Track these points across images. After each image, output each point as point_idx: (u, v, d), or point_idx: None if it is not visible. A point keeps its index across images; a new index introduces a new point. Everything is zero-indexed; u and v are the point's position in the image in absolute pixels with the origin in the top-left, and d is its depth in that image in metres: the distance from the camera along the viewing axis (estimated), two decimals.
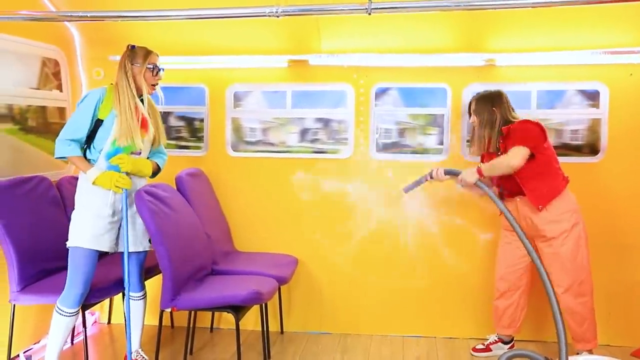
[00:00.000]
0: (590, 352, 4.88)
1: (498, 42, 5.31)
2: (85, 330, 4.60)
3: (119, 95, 4.33)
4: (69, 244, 4.29)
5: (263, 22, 4.99)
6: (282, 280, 5.13)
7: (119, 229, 4.46)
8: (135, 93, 4.39)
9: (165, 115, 5.83)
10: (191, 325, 5.05)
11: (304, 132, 5.67)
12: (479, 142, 4.91)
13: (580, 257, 4.71)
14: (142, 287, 4.77)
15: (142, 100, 4.45)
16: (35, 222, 4.76)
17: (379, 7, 4.07)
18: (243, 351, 5.33)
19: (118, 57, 5.62)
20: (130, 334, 4.61)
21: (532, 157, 4.55)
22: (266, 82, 5.70)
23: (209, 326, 5.81)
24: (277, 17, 4.20)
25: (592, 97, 5.27)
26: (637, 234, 5.26)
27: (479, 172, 4.56)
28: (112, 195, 4.31)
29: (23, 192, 4.75)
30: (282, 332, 5.76)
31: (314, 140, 5.63)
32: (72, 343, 5.46)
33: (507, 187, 4.81)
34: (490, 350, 5.22)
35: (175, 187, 5.10)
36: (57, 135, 4.34)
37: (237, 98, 5.73)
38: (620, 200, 5.26)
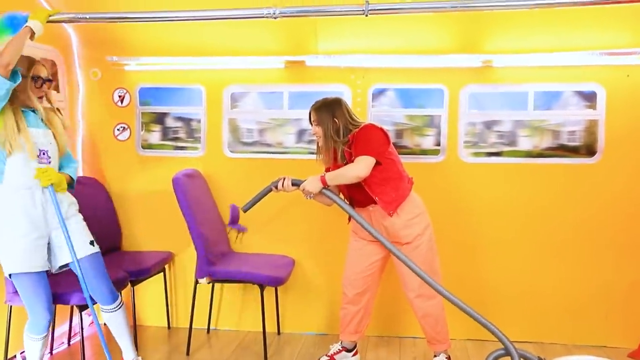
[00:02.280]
0: (446, 352, 4.87)
1: (495, 43, 5.31)
2: (82, 332, 4.60)
3: None
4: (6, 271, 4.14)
5: (260, 23, 5.02)
6: (278, 282, 5.14)
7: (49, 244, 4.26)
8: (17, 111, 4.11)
9: (163, 116, 5.85)
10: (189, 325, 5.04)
11: (300, 133, 5.67)
12: (326, 154, 4.74)
13: (432, 258, 4.69)
14: (115, 297, 4.49)
15: (34, 111, 4.22)
16: None
17: (376, 8, 4.07)
18: (240, 352, 5.34)
19: (115, 58, 5.67)
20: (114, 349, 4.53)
21: (377, 163, 4.47)
22: (263, 83, 5.69)
23: (206, 327, 5.81)
24: (275, 18, 4.20)
25: (589, 98, 5.27)
26: (633, 234, 5.26)
27: (323, 181, 4.45)
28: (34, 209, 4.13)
29: None
30: (279, 333, 5.77)
31: (311, 141, 5.62)
32: (69, 344, 5.47)
33: (357, 197, 4.73)
34: None
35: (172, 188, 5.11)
36: None
37: (234, 99, 5.73)
38: (617, 201, 5.27)
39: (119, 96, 5.85)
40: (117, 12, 4.63)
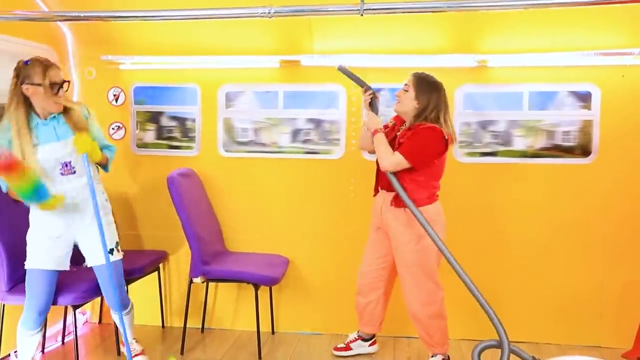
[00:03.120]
0: (444, 354, 4.93)
1: (490, 44, 5.31)
2: (76, 330, 4.59)
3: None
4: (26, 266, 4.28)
5: (255, 23, 5.00)
6: (273, 281, 5.15)
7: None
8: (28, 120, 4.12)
9: (157, 115, 5.84)
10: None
11: (295, 133, 5.66)
12: (402, 109, 4.75)
13: (425, 263, 4.72)
14: (126, 304, 4.64)
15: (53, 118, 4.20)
16: (23, 222, 4.74)
17: (371, 8, 4.07)
18: (234, 351, 5.34)
19: (110, 57, 5.66)
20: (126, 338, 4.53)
21: (412, 168, 4.53)
22: (258, 83, 5.69)
23: (200, 326, 5.80)
24: (270, 17, 4.20)
25: (584, 98, 5.27)
26: (628, 234, 5.27)
27: (375, 132, 4.66)
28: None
29: None
30: (273, 332, 5.76)
31: (305, 141, 5.62)
32: (62, 343, 5.46)
33: (382, 177, 4.77)
34: (351, 349, 5.27)
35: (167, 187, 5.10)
36: None
37: (229, 98, 5.72)
38: (611, 201, 5.27)
39: (114, 95, 5.84)
40: (112, 10, 4.62)
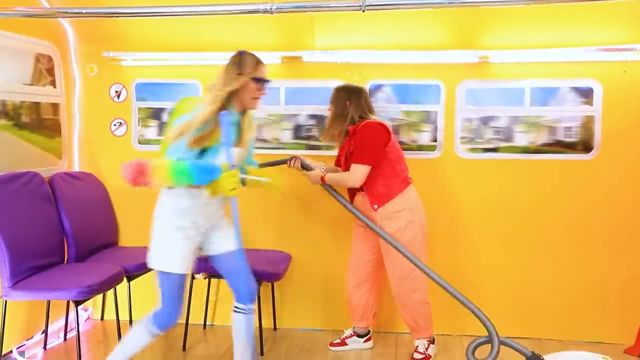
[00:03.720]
0: (429, 340, 5.07)
1: (492, 39, 5.31)
2: (78, 326, 4.59)
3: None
4: (155, 266, 4.07)
5: (257, 19, 5.02)
6: (275, 277, 5.13)
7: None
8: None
9: (159, 112, 5.84)
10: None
11: (297, 129, 5.66)
12: (329, 133, 5.07)
13: (414, 253, 4.69)
14: (252, 299, 4.29)
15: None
16: (26, 218, 4.77)
17: (373, 4, 4.08)
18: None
19: (112, 54, 5.66)
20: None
21: None
22: None
23: (202, 322, 5.80)
24: (272, 13, 4.20)
25: (586, 94, 5.27)
26: (630, 230, 5.27)
27: (322, 179, 4.88)
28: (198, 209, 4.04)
29: (15, 188, 4.76)
30: (275, 328, 5.77)
31: (307, 137, 5.62)
32: (65, 339, 5.46)
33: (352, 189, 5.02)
34: (346, 344, 5.34)
35: None
36: (53, 132, 4.13)
37: None
38: (613, 197, 5.27)
39: (116, 91, 5.85)
40: (114, 7, 4.63)
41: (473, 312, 4.31)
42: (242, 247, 4.13)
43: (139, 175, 3.72)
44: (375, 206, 4.81)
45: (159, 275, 4.04)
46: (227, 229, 4.24)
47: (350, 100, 4.88)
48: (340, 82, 5.36)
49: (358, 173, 4.70)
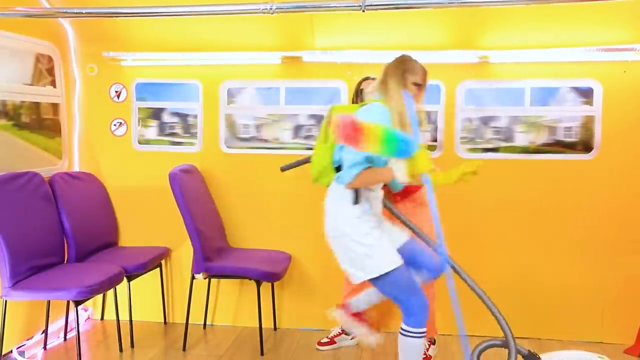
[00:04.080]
0: (430, 341, 5.07)
1: (492, 39, 5.31)
2: (78, 326, 4.59)
3: None
4: (378, 273, 3.91)
5: (257, 19, 5.01)
6: (275, 277, 5.16)
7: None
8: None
9: (159, 112, 5.84)
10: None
11: (297, 129, 5.67)
12: None
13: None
14: (443, 269, 4.17)
15: None
16: (26, 218, 4.77)
17: (373, 4, 4.08)
18: (236, 347, 5.34)
19: (112, 54, 5.68)
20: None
21: None
22: (260, 79, 5.69)
23: (203, 322, 5.80)
24: (272, 13, 4.20)
25: (586, 94, 5.27)
26: (630, 230, 5.26)
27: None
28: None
29: (15, 187, 4.76)
30: (275, 328, 5.77)
31: (307, 137, 5.63)
32: (65, 339, 5.46)
33: None
34: (335, 342, 5.38)
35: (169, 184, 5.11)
36: (53, 132, 4.14)
37: (231, 94, 5.73)
38: (613, 197, 5.27)
39: (116, 91, 5.85)
40: (114, 7, 4.63)
41: (495, 316, 4.20)
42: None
43: (355, 132, 3.63)
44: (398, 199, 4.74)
45: (382, 282, 3.97)
46: (388, 222, 4.23)
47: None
48: (340, 82, 5.38)
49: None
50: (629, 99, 5.19)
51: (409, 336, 4.02)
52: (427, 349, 5.00)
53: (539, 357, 4.12)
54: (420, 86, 4.05)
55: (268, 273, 5.08)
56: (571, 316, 5.43)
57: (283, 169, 4.90)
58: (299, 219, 5.69)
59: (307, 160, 4.83)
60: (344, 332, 5.36)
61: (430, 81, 5.37)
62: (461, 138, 5.46)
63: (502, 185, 5.43)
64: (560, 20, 5.12)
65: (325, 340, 5.38)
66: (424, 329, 4.02)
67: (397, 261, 3.90)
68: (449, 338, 5.44)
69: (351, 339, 5.38)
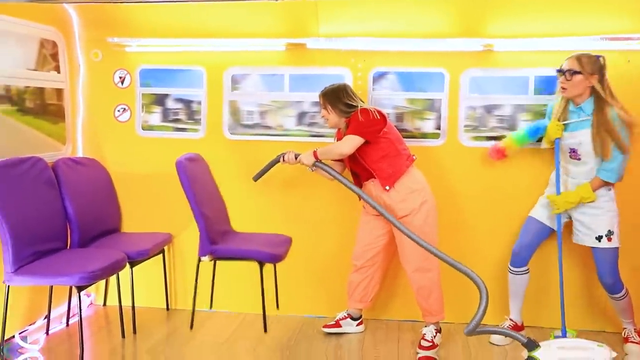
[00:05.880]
0: (437, 324, 5.07)
1: (496, 28, 5.30)
2: (80, 312, 4.60)
3: None
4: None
5: (261, 5, 5.01)
6: (276, 258, 5.24)
7: None
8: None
9: (163, 98, 5.84)
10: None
11: (301, 116, 5.66)
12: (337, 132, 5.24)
13: (428, 232, 4.83)
14: (612, 291, 5.05)
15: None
16: (30, 203, 4.77)
17: None
18: (239, 333, 5.36)
19: (116, 39, 5.67)
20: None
21: (374, 142, 4.78)
22: (264, 65, 5.68)
23: (208, 307, 5.82)
24: (276, 0, 4.19)
25: None
26: (633, 220, 5.25)
27: (315, 155, 4.93)
28: None
29: (18, 173, 4.76)
30: (278, 314, 5.77)
31: (311, 124, 5.62)
32: (67, 324, 5.47)
33: (359, 172, 5.04)
34: (340, 326, 5.41)
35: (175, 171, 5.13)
36: (57, 118, 4.19)
37: (235, 81, 5.72)
38: (618, 186, 5.24)
39: (120, 77, 5.85)
40: None
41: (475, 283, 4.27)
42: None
43: None
44: (387, 187, 4.84)
45: (614, 252, 4.94)
46: None
47: (339, 100, 4.92)
48: (344, 70, 5.38)
49: (348, 141, 4.74)
50: (632, 87, 5.16)
51: None
52: (434, 337, 5.01)
53: (539, 344, 4.14)
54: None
55: (270, 254, 5.15)
56: (573, 305, 5.42)
57: (255, 179, 5.25)
58: (302, 205, 5.72)
59: (276, 161, 5.12)
60: (350, 316, 5.39)
61: (434, 69, 5.42)
62: (465, 126, 5.45)
63: (506, 174, 5.42)
64: (564, 9, 5.11)
65: (331, 323, 5.40)
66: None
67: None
68: (452, 326, 5.45)
69: (357, 324, 5.40)
